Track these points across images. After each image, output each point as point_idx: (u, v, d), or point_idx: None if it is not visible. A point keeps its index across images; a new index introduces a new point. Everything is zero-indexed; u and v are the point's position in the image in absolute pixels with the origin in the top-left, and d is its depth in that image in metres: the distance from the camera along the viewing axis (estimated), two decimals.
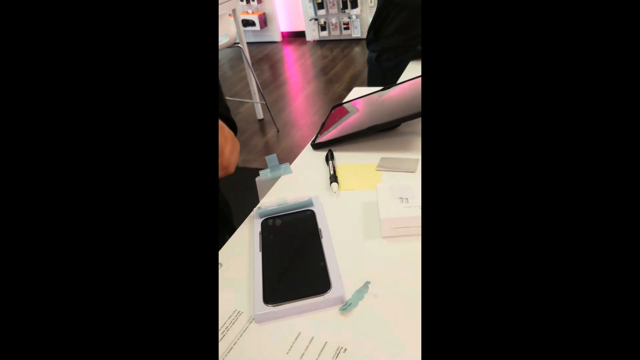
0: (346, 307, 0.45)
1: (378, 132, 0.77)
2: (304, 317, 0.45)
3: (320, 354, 0.41)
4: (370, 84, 1.56)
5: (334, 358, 0.40)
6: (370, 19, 1.54)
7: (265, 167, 0.71)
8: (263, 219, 0.60)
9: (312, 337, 0.42)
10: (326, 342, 0.41)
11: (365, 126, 0.76)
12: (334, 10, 4.76)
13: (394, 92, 0.88)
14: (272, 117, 2.99)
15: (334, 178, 0.67)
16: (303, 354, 0.41)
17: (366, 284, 0.47)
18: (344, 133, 0.78)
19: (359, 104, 0.90)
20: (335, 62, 4.21)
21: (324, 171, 0.71)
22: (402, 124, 0.79)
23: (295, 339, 0.42)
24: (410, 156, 0.71)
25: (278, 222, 0.59)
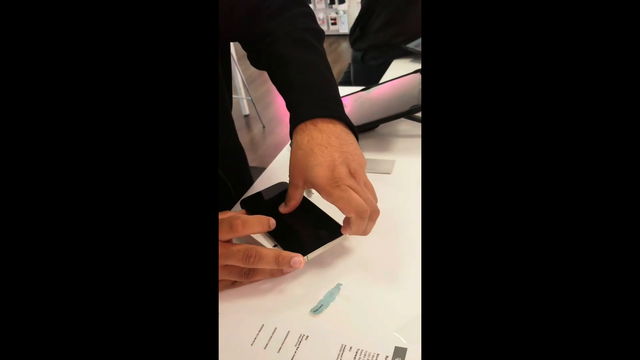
0: (317, 308, 0.46)
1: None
2: (273, 314, 0.45)
3: (283, 343, 0.42)
4: (356, 83, 1.56)
5: (296, 346, 0.41)
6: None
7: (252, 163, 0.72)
8: (242, 199, 0.61)
9: (275, 328, 0.43)
10: (288, 331, 0.42)
11: None
12: (321, 6, 4.75)
13: (373, 93, 0.88)
14: (257, 113, 2.98)
15: None
16: (267, 344, 0.42)
17: (338, 286, 0.48)
18: None
19: (344, 101, 0.90)
20: None
21: None
22: (380, 125, 0.79)
23: (259, 331, 0.43)
24: (387, 157, 0.72)
25: (259, 197, 0.60)
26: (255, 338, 0.43)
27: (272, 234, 0.51)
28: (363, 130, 0.77)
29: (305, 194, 0.55)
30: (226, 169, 0.66)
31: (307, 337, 0.42)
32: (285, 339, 0.42)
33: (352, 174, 0.47)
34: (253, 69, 0.82)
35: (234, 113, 0.78)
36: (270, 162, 0.76)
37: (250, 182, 0.74)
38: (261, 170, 0.74)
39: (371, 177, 0.68)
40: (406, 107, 0.73)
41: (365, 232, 0.47)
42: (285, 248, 0.48)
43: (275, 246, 0.49)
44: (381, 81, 1.01)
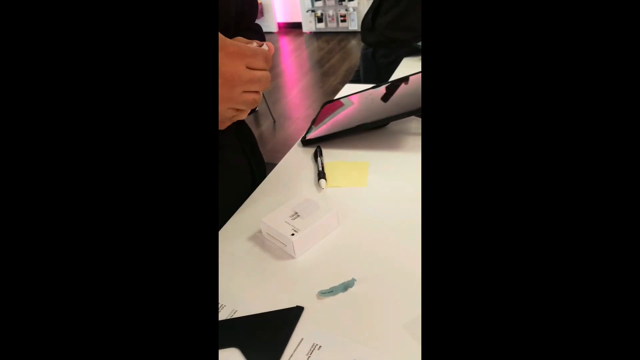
0: (326, 292, 0.47)
1: (367, 130, 0.78)
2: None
3: (295, 350, 0.42)
4: (365, 81, 1.56)
5: (308, 354, 0.41)
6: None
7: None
8: None
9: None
10: (302, 339, 0.43)
11: (354, 124, 0.77)
12: (331, 2, 4.73)
13: (384, 90, 0.88)
14: (268, 107, 2.99)
15: (322, 174, 0.68)
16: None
17: (352, 280, 0.48)
18: (333, 130, 0.78)
19: (354, 98, 0.90)
20: (331, 54, 4.20)
21: (313, 167, 0.72)
22: (391, 122, 0.79)
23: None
24: (397, 155, 0.72)
25: None
26: None
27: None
28: (373, 127, 0.78)
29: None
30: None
31: (320, 347, 0.42)
32: (297, 346, 0.42)
33: None
34: None
35: None
36: (280, 158, 0.77)
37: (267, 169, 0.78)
38: (272, 166, 0.75)
39: (379, 173, 0.68)
40: (416, 106, 0.73)
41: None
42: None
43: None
44: (391, 79, 1.01)
